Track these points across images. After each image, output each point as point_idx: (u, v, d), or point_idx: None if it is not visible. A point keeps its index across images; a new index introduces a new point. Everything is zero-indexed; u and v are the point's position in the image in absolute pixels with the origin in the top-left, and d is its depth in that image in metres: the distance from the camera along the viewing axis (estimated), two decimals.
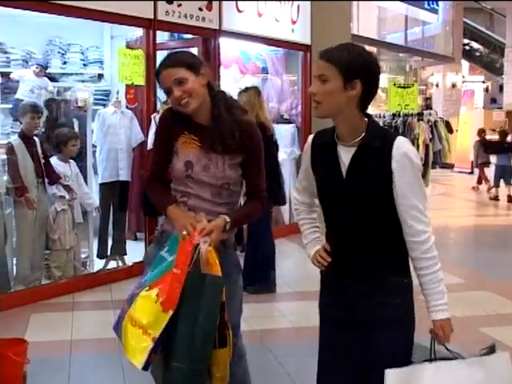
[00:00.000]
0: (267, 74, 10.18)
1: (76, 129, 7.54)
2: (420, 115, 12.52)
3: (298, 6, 9.87)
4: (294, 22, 9.78)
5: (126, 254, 7.75)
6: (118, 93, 7.88)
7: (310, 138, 2.79)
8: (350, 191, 2.58)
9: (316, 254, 2.81)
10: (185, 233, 2.85)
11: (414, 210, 2.54)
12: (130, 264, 7.50)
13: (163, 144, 3.17)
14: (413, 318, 2.67)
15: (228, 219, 2.99)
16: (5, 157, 6.50)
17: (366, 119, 2.61)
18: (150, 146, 7.30)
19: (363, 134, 2.57)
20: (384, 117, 10.99)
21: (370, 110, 2.65)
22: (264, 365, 5.01)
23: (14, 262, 6.68)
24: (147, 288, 2.84)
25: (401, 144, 2.53)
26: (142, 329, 2.75)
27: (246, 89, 7.03)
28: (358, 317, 2.63)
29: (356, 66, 2.49)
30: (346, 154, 2.60)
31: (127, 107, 7.88)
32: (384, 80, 15.02)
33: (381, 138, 2.56)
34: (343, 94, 2.50)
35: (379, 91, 2.90)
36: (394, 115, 11.22)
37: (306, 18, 10.00)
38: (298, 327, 5.78)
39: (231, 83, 9.40)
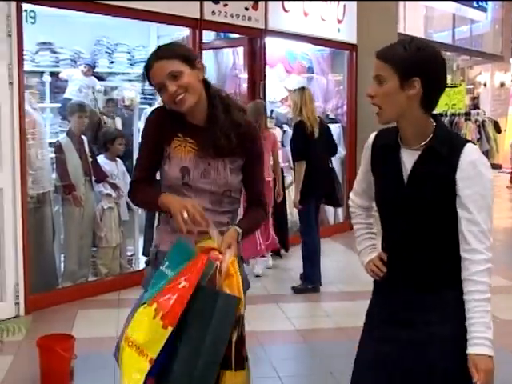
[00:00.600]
0: (313, 73, 10.16)
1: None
2: (467, 115, 12.37)
3: (344, 6, 9.82)
4: (339, 22, 9.73)
5: None
6: None
7: (372, 136, 2.62)
8: (410, 198, 2.41)
9: (370, 262, 2.65)
10: (186, 215, 2.52)
11: (475, 227, 2.31)
12: None
13: (153, 148, 2.80)
14: None
15: (239, 230, 2.67)
16: (53, 155, 6.61)
17: (434, 122, 2.42)
18: None
19: (429, 138, 2.39)
20: None
21: None
22: (308, 364, 5.01)
23: (62, 258, 6.79)
24: (145, 305, 2.46)
25: (470, 152, 2.34)
26: (139, 349, 2.39)
27: (295, 90, 7.11)
28: (412, 333, 2.44)
29: (412, 62, 2.31)
30: (409, 158, 2.43)
31: None
32: None
33: (448, 144, 2.37)
34: (402, 95, 2.33)
35: None
36: (440, 115, 11.08)
37: (352, 18, 9.95)
38: (342, 327, 5.75)
39: (276, 82, 9.41)
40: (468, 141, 2.45)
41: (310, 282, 6.92)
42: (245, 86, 8.62)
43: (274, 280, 7.35)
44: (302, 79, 9.75)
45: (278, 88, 9.47)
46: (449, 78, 16.86)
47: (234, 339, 2.43)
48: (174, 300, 2.38)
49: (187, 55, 2.71)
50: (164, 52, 2.70)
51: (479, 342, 2.29)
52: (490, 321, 2.31)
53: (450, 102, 11.69)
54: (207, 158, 2.73)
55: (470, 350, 2.30)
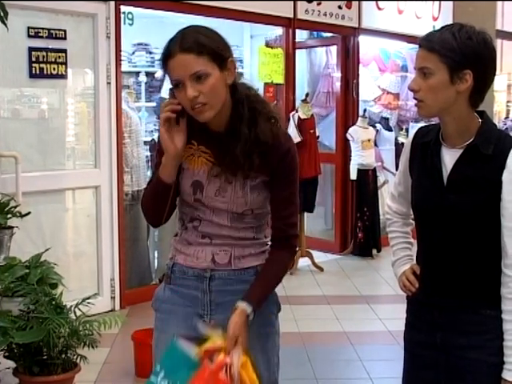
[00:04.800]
0: (407, 71, 10.01)
1: None
2: None
3: (440, 2, 9.65)
4: (435, 19, 9.55)
5: None
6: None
7: (411, 134, 2.37)
8: (449, 202, 2.16)
9: (403, 276, 2.40)
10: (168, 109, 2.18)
11: None
12: None
13: None
14: None
15: (249, 309, 2.16)
16: (148, 153, 6.74)
17: (479, 118, 2.17)
18: None
19: (474, 136, 2.14)
20: None
21: None
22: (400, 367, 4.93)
23: (156, 255, 6.91)
24: None
25: None
26: None
27: None
28: (448, 359, 2.24)
29: (464, 53, 2.05)
30: (450, 158, 2.17)
31: None
32: None
33: (495, 143, 2.11)
34: (451, 89, 2.08)
35: None
36: None
37: (448, 14, 9.74)
38: (391, 330, 5.51)
39: (370, 81, 9.33)
40: None
41: None
42: (338, 84, 8.57)
43: (365, 281, 7.28)
44: (395, 78, 9.64)
45: (372, 87, 9.38)
46: None
47: None
48: None
49: (220, 52, 2.18)
50: (193, 43, 2.12)
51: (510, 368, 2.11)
52: None
53: None
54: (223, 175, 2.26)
55: (503, 375, 2.13)
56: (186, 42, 2.12)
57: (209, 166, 2.26)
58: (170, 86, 2.21)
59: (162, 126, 2.21)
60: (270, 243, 2.36)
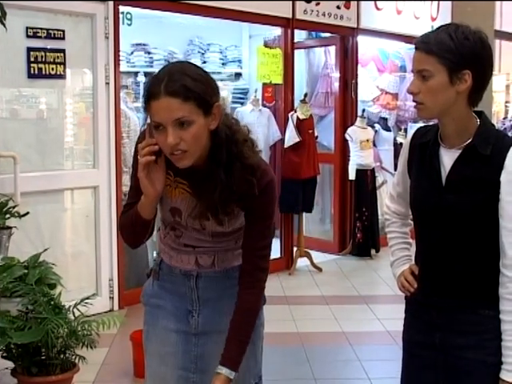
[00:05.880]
0: (405, 72, 10.02)
1: None
2: None
3: (438, 3, 9.65)
4: (433, 19, 9.55)
5: None
6: (255, 91, 7.99)
7: (410, 135, 2.37)
8: (447, 203, 2.16)
9: (401, 276, 2.41)
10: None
11: None
12: None
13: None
14: None
15: (232, 374, 2.18)
16: None
17: (478, 119, 2.17)
18: (286, 144, 7.37)
19: (472, 137, 2.14)
20: None
21: None
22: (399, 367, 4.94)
23: (154, 255, 6.90)
24: None
25: None
26: None
27: None
28: (446, 359, 2.24)
29: (462, 53, 2.05)
30: (449, 158, 2.17)
31: (265, 105, 7.97)
32: None
33: (493, 143, 2.11)
34: (451, 90, 2.08)
35: None
36: None
37: (447, 14, 9.74)
38: (390, 330, 5.53)
39: (369, 81, 9.33)
40: None
41: None
42: (336, 85, 8.57)
43: (363, 281, 7.28)
44: (394, 78, 9.64)
45: (370, 87, 9.38)
46: None
47: None
48: None
49: (206, 98, 2.05)
50: (180, 87, 2.00)
51: (508, 369, 2.10)
52: None
53: None
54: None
55: (500, 375, 2.12)
56: (172, 85, 1.99)
57: (187, 197, 2.23)
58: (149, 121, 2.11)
59: (142, 171, 2.10)
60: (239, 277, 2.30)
